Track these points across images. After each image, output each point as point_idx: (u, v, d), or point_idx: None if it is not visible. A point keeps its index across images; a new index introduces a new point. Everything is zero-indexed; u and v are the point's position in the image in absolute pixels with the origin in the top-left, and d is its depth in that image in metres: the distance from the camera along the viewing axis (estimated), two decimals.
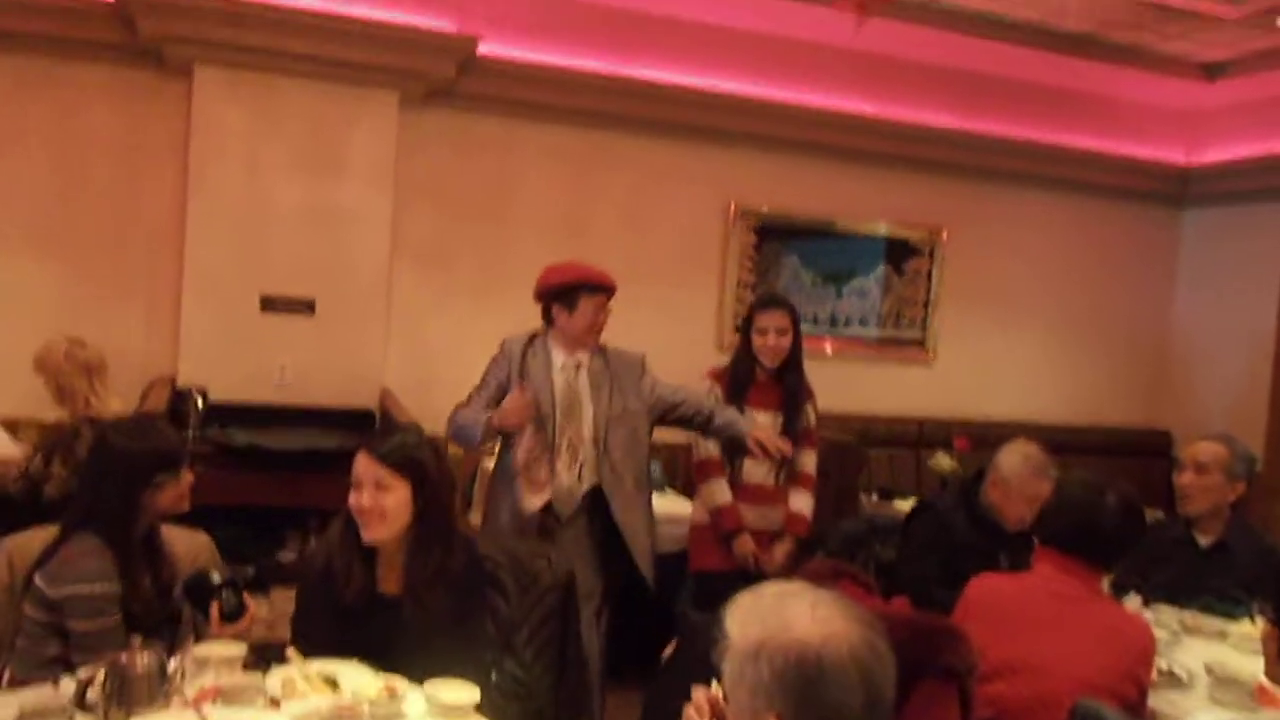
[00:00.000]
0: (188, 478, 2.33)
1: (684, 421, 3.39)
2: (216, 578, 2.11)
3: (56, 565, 2.12)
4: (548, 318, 3.29)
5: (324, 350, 4.63)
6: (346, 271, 4.67)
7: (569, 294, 3.21)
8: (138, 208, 4.58)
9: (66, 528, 2.21)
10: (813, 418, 3.67)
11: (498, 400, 3.20)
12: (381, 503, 2.10)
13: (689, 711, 1.41)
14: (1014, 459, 3.11)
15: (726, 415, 3.39)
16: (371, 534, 2.12)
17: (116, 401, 3.73)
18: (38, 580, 2.12)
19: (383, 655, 2.05)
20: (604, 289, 3.25)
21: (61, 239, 4.50)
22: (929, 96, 5.71)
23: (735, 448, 3.46)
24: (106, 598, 2.11)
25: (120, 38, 4.37)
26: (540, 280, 3.29)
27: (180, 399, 4.28)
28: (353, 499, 2.12)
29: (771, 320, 3.54)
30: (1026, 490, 3.04)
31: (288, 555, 4.24)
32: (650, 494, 3.43)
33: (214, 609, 2.11)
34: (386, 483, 2.10)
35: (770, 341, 3.52)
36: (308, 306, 4.61)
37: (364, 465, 2.12)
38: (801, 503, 3.60)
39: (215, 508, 2.90)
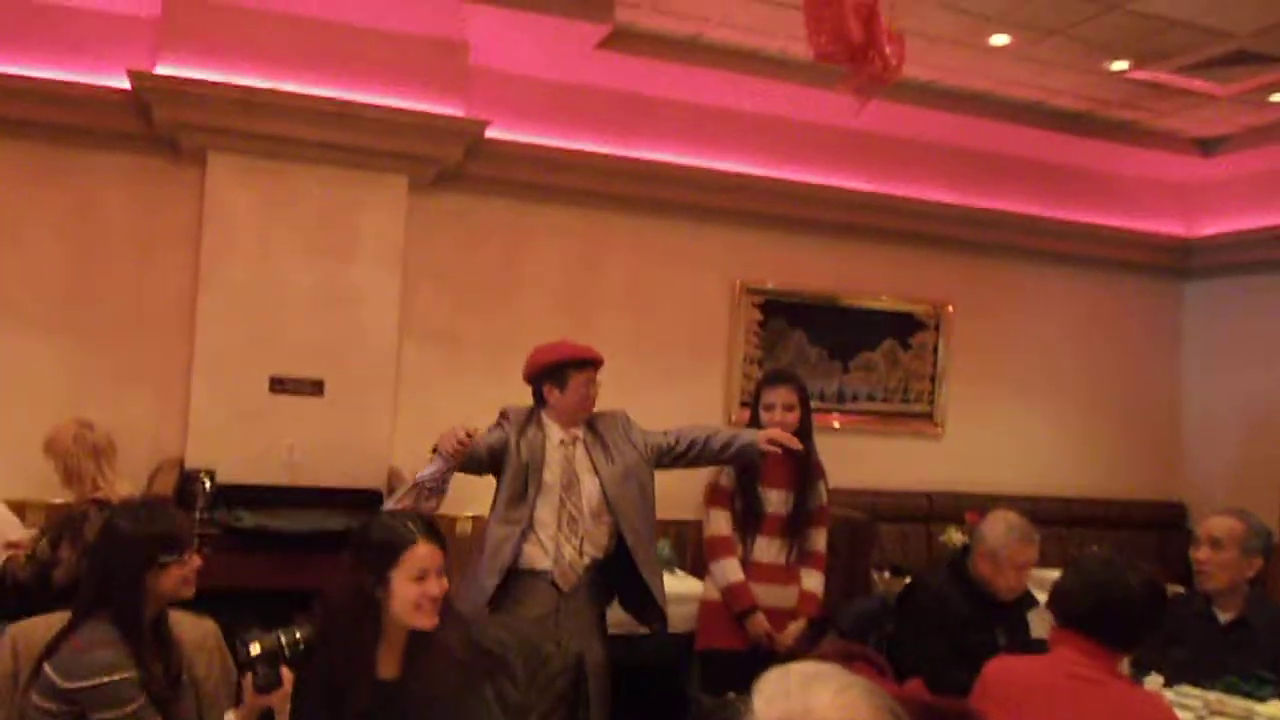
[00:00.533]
0: (194, 562, 2.31)
1: (683, 458, 3.35)
2: (256, 649, 2.05)
3: (69, 657, 2.08)
4: (538, 398, 3.32)
5: (332, 431, 4.63)
6: (355, 352, 4.70)
7: (558, 372, 3.27)
8: (149, 291, 4.63)
9: (77, 614, 2.19)
10: (824, 495, 3.66)
11: (490, 451, 3.20)
12: (445, 588, 2.14)
13: None
14: (998, 529, 3.11)
15: (724, 435, 3.34)
16: (435, 621, 2.13)
17: (124, 484, 3.73)
18: (49, 671, 2.08)
19: None
20: (591, 363, 3.31)
21: (73, 322, 4.54)
22: (931, 174, 5.81)
23: (750, 462, 3.39)
24: (128, 683, 2.08)
25: (135, 126, 4.47)
26: (529, 362, 3.35)
27: (188, 481, 4.27)
28: (418, 590, 2.11)
29: (779, 396, 3.55)
30: (1016, 559, 3.09)
31: None
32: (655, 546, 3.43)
33: (247, 681, 2.07)
34: (444, 568, 2.14)
35: (778, 417, 3.52)
36: (317, 387, 4.63)
37: (432, 554, 2.14)
38: (813, 582, 3.57)
39: (222, 591, 2.87)
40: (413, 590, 2.10)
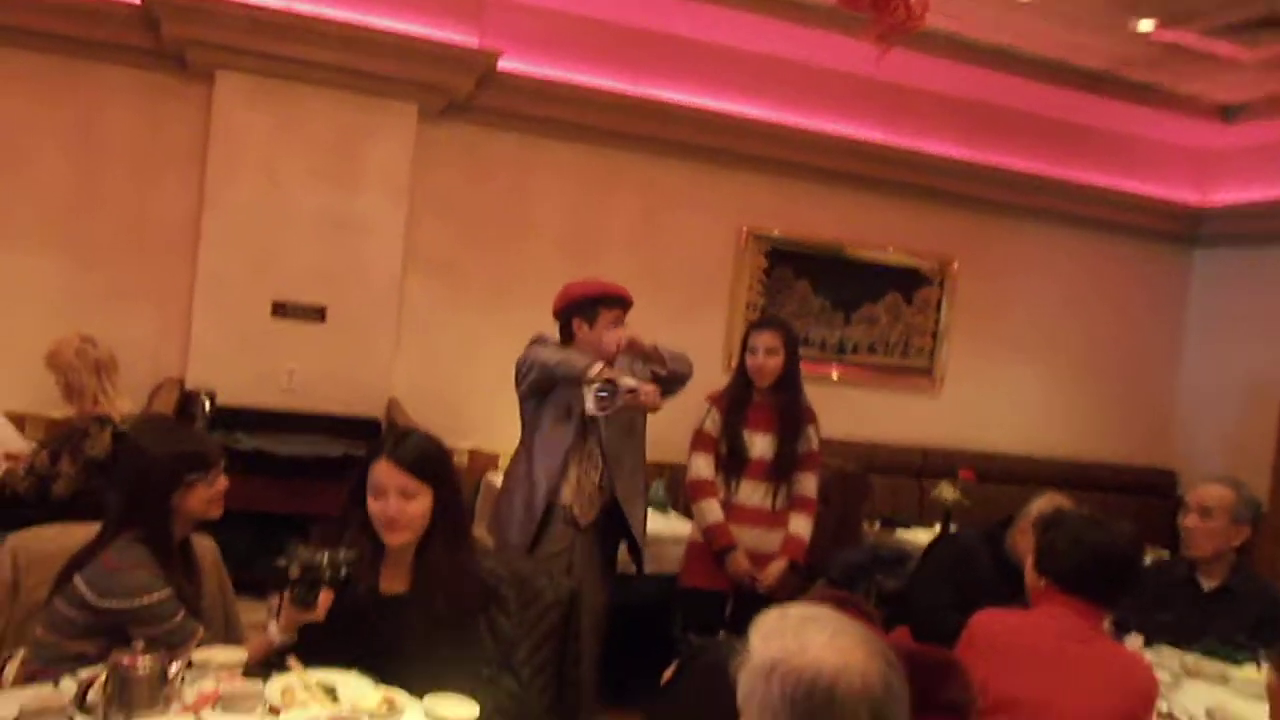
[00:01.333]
0: (221, 481, 2.32)
1: (666, 389, 3.35)
2: (295, 572, 2.05)
3: (103, 575, 2.09)
4: (567, 333, 3.32)
5: (333, 357, 4.64)
6: (359, 280, 4.69)
7: (590, 308, 3.29)
8: (154, 208, 4.60)
9: (106, 530, 2.20)
10: (815, 440, 3.63)
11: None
12: (406, 510, 2.11)
13: None
14: (1048, 509, 3.08)
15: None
16: (397, 539, 2.13)
17: (125, 401, 3.74)
18: (80, 585, 2.08)
19: (384, 656, 2.05)
20: (622, 302, 3.33)
21: (77, 237, 4.53)
22: (944, 127, 5.74)
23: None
24: (168, 600, 2.11)
25: (144, 40, 4.41)
26: (561, 295, 3.35)
27: (188, 400, 4.29)
28: (376, 507, 2.12)
29: (761, 340, 3.53)
30: None
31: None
32: (646, 483, 3.48)
33: (286, 596, 2.09)
34: (410, 490, 2.11)
35: (760, 360, 3.51)
36: (319, 313, 4.63)
37: (387, 473, 2.12)
38: (799, 525, 3.56)
39: None
40: (372, 506, 2.13)
